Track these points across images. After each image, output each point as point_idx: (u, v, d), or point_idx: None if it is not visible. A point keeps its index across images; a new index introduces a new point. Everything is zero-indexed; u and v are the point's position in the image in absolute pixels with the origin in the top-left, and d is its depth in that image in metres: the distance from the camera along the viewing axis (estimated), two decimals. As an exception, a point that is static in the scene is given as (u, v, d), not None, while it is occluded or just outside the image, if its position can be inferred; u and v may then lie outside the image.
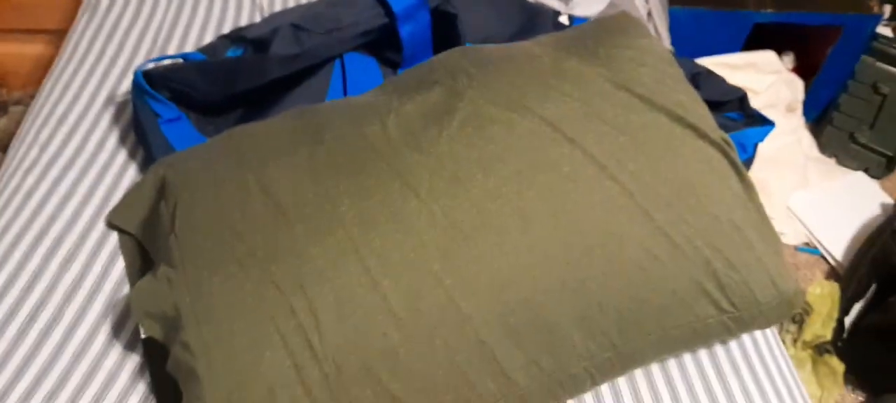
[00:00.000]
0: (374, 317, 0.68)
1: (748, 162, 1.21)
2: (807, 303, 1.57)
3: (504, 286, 0.72)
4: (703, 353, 0.91)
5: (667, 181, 0.84)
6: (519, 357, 0.72)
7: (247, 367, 0.66)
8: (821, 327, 1.54)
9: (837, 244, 1.74)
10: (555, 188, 0.80)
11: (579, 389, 0.79)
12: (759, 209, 0.89)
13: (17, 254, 0.87)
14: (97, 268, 0.87)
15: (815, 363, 1.51)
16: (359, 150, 0.79)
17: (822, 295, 1.59)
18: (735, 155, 0.91)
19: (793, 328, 1.55)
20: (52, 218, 0.90)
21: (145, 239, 0.86)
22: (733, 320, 0.82)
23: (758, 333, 0.95)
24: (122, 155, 1.00)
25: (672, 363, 0.89)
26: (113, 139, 1.01)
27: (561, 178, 0.81)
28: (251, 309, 0.68)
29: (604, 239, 0.78)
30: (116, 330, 0.82)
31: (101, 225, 0.91)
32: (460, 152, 0.80)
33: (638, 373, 0.88)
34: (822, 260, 1.73)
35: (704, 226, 0.82)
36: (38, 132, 1.00)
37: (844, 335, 1.52)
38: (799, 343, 1.52)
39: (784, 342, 1.50)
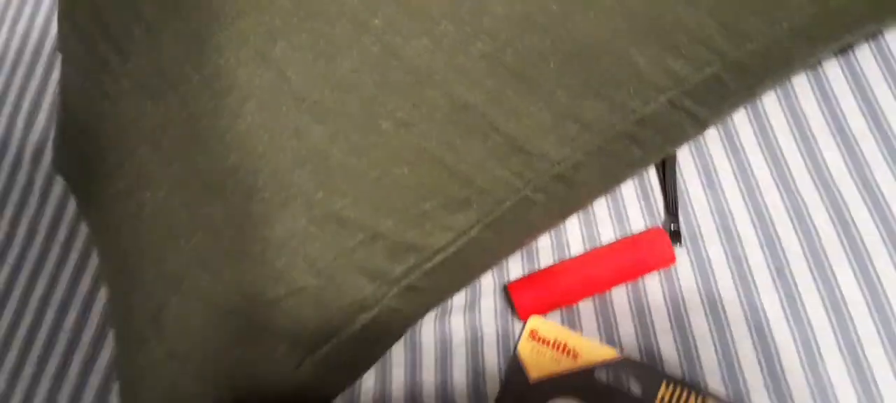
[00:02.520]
0: (274, 107, 0.42)
1: None
2: None
3: (481, 4, 0.41)
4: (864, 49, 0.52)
5: None
6: (536, 113, 0.43)
7: (129, 222, 0.46)
8: None
9: None
10: None
11: (673, 136, 0.48)
12: None
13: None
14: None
15: None
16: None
17: None
18: None
19: None
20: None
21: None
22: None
23: None
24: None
25: (865, 50, 0.53)
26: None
27: None
28: (116, 135, 0.47)
29: None
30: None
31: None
32: None
33: (798, 80, 0.53)
34: None
35: None
36: None
37: None
38: None
39: None
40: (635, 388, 0.46)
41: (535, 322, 0.50)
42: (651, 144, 0.47)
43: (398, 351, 0.54)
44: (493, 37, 0.42)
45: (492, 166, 0.44)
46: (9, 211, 0.67)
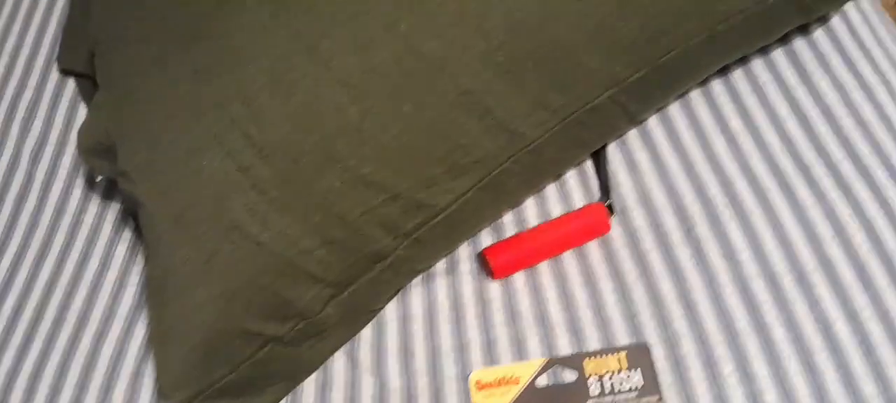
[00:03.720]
0: (320, 90, 0.54)
1: None
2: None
3: (482, 15, 0.56)
4: (777, 52, 0.72)
5: None
6: (518, 101, 0.57)
7: (186, 182, 0.55)
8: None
9: None
10: None
11: (611, 125, 0.63)
12: None
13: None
14: (59, 121, 0.78)
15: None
16: None
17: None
18: None
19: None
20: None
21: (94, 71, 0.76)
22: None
23: (853, 12, 0.74)
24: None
25: (738, 73, 0.71)
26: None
27: None
28: (176, 116, 0.57)
29: None
30: (91, 184, 0.74)
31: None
32: None
33: (694, 95, 0.71)
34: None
35: None
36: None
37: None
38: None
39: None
40: (570, 377, 0.58)
41: (475, 375, 0.58)
42: (596, 130, 0.62)
43: (391, 309, 0.64)
44: (488, 40, 0.56)
45: (485, 141, 0.57)
46: (8, 207, 0.72)
